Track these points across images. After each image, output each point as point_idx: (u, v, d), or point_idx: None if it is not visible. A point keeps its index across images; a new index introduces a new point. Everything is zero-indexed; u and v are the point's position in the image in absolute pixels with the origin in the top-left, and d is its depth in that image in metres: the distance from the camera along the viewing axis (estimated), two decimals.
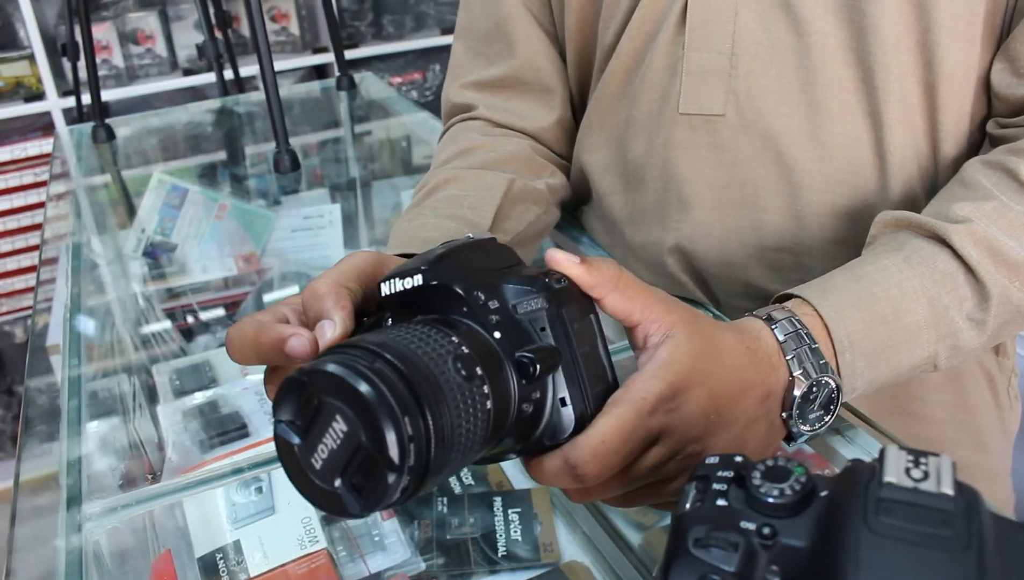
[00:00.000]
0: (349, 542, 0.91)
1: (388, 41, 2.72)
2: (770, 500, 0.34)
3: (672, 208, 0.72)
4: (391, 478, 0.36)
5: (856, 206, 0.67)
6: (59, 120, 2.48)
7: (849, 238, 0.67)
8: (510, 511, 0.96)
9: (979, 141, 0.68)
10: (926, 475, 0.32)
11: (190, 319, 1.46)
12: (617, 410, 0.44)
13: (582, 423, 0.45)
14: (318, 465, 0.38)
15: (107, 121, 1.52)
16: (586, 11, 0.73)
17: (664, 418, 0.45)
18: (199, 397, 1.15)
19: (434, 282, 0.44)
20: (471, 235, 0.48)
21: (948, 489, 0.32)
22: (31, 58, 2.44)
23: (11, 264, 2.57)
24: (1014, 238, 0.56)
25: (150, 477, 0.94)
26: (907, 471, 0.32)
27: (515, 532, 0.94)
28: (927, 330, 0.55)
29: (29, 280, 2.61)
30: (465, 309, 0.44)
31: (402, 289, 0.45)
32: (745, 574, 0.33)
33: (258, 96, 1.92)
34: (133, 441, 1.03)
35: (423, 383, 0.38)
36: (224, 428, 1.06)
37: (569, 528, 0.94)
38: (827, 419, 0.52)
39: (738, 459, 0.37)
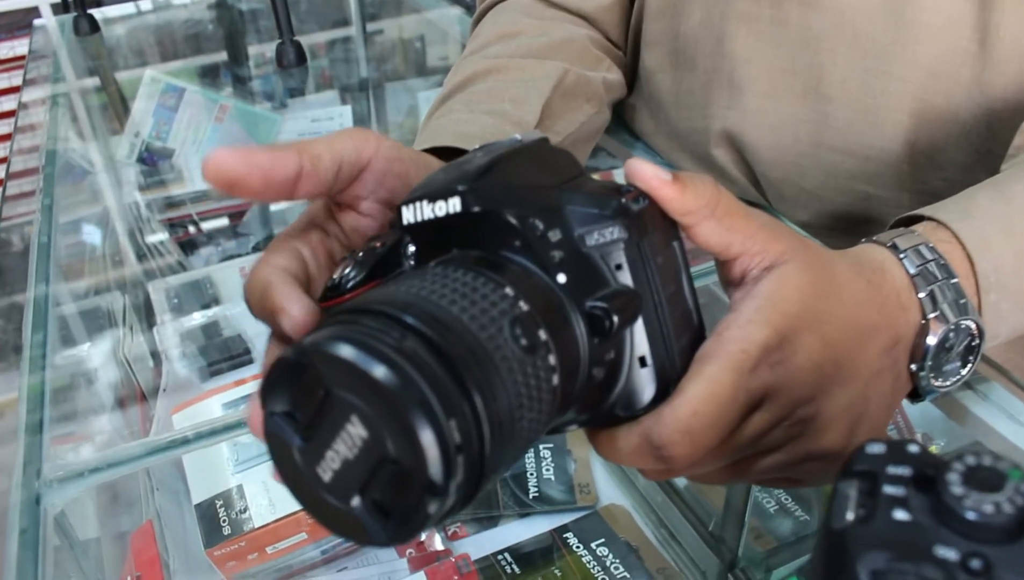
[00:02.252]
0: None
1: None
2: (979, 519, 0.24)
3: (723, 90, 0.60)
4: (431, 505, 0.26)
5: (946, 105, 0.55)
6: (48, 16, 2.33)
7: (933, 145, 0.56)
8: (542, 448, 0.88)
9: None
10: None
11: (190, 230, 1.36)
12: (710, 370, 0.33)
13: (665, 387, 0.34)
14: (327, 477, 0.27)
15: (91, 13, 1.39)
16: None
17: (769, 375, 0.34)
18: (199, 317, 1.05)
19: (477, 208, 0.33)
20: (519, 137, 0.36)
21: None
22: None
23: (2, 170, 2.47)
24: None
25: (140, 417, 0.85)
26: None
27: (547, 472, 0.85)
28: None
29: (23, 185, 2.51)
30: (518, 243, 0.33)
31: (433, 217, 0.33)
32: None
33: None
34: (124, 372, 0.94)
35: (472, 365, 0.27)
36: (226, 353, 0.96)
37: (608, 468, 0.85)
38: (964, 373, 0.41)
39: (912, 450, 0.27)
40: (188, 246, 1.32)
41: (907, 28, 0.55)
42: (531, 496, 0.83)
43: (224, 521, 0.72)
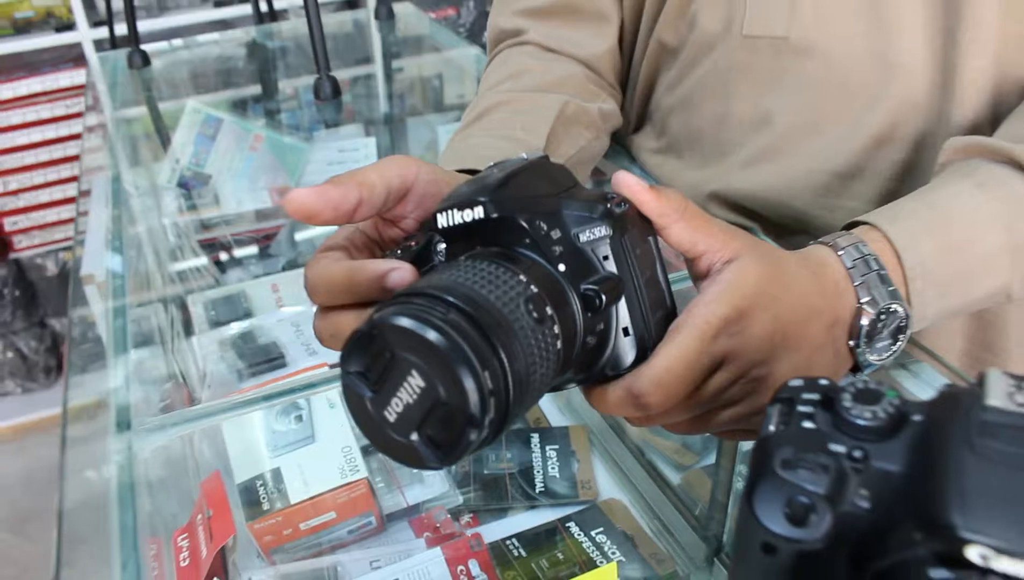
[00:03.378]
0: (388, 474, 0.90)
1: None
2: (861, 423, 0.33)
3: (730, 132, 0.69)
4: (472, 434, 0.35)
5: (918, 130, 0.64)
6: (90, 51, 2.46)
7: (907, 164, 0.65)
8: (548, 448, 0.96)
9: None
10: None
11: (223, 251, 1.45)
12: (679, 337, 0.42)
13: (644, 352, 0.44)
14: (392, 418, 0.36)
15: (143, 48, 1.50)
16: None
17: (728, 342, 0.43)
18: (235, 327, 1.14)
19: (495, 215, 0.42)
20: (525, 155, 0.46)
21: None
22: None
23: (43, 196, 2.58)
24: None
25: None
26: (1011, 395, 0.31)
27: (553, 469, 0.93)
28: (1002, 256, 0.53)
29: (61, 212, 2.62)
30: (528, 240, 0.42)
31: (462, 222, 0.43)
32: (835, 496, 0.31)
33: (290, 28, 1.89)
34: (172, 370, 1.03)
35: (498, 332, 0.36)
36: (261, 358, 1.05)
37: (607, 466, 0.93)
38: (895, 349, 0.50)
39: (823, 382, 0.36)
40: (222, 264, 1.41)
41: (887, 68, 0.63)
42: (537, 490, 0.91)
43: (263, 498, 0.80)
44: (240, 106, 1.72)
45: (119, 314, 0.66)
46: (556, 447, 0.96)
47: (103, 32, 2.30)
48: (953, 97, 0.63)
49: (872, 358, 0.49)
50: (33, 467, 2.61)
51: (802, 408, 0.35)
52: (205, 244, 1.45)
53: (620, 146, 0.85)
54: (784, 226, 0.71)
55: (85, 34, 2.44)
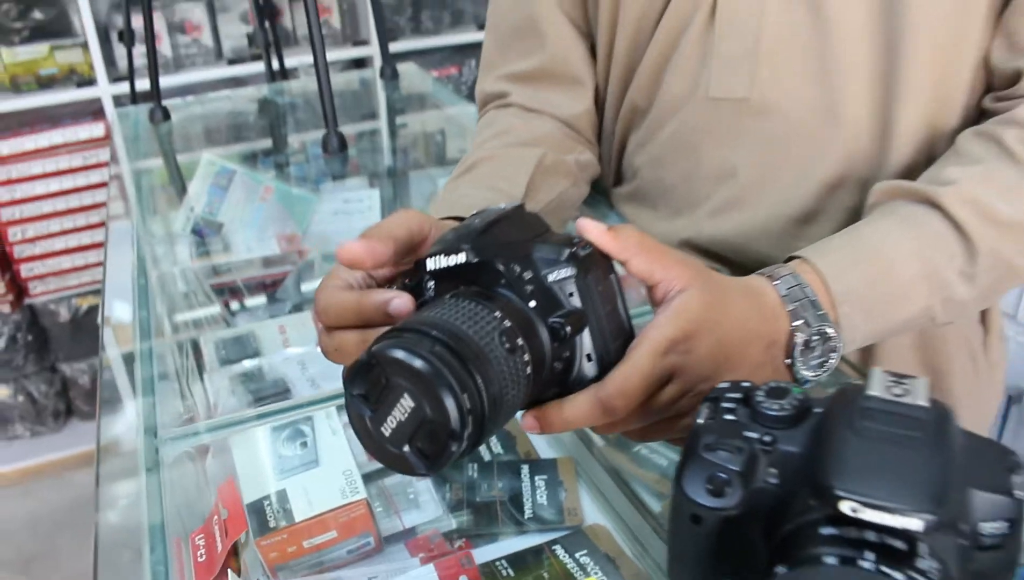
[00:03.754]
0: (386, 498, 0.97)
1: (426, 36, 2.79)
2: (771, 414, 0.40)
3: (698, 185, 0.77)
4: (453, 445, 0.43)
5: (864, 176, 0.72)
6: (108, 105, 2.56)
7: (856, 207, 0.72)
8: (537, 478, 1.02)
9: (981, 115, 0.73)
10: (906, 391, 0.38)
11: (234, 295, 1.53)
12: (635, 354, 0.50)
13: (604, 374, 0.51)
14: (388, 433, 0.44)
15: (165, 105, 1.59)
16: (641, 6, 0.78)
17: (676, 359, 0.50)
18: (244, 365, 1.21)
19: (475, 260, 0.50)
20: (503, 205, 0.54)
21: (923, 402, 0.37)
22: (84, 45, 2.54)
23: (59, 244, 2.67)
24: (1000, 199, 0.62)
25: None
26: (888, 387, 0.38)
27: (541, 497, 0.99)
28: (920, 285, 0.61)
29: (75, 259, 2.70)
30: (503, 281, 0.50)
31: (447, 266, 0.51)
32: (747, 473, 0.38)
33: (300, 86, 1.99)
34: (188, 404, 1.10)
35: (475, 360, 0.44)
36: (268, 392, 1.12)
37: (592, 495, 0.99)
38: (828, 366, 0.58)
39: (745, 384, 0.43)
40: (233, 307, 1.49)
41: (835, 123, 0.71)
42: (526, 516, 0.97)
43: (270, 517, 0.87)
44: (252, 159, 1.81)
45: (145, 351, 0.73)
46: (545, 477, 1.02)
47: (121, 87, 2.40)
48: (891, 145, 0.71)
49: (807, 374, 0.57)
50: (39, 510, 2.65)
51: (726, 404, 0.42)
52: (217, 288, 1.52)
53: (601, 196, 0.93)
54: (749, 268, 0.78)
55: (105, 89, 2.55)
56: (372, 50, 2.75)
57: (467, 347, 0.44)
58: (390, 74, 1.72)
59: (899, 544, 0.34)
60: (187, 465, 0.64)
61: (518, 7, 0.85)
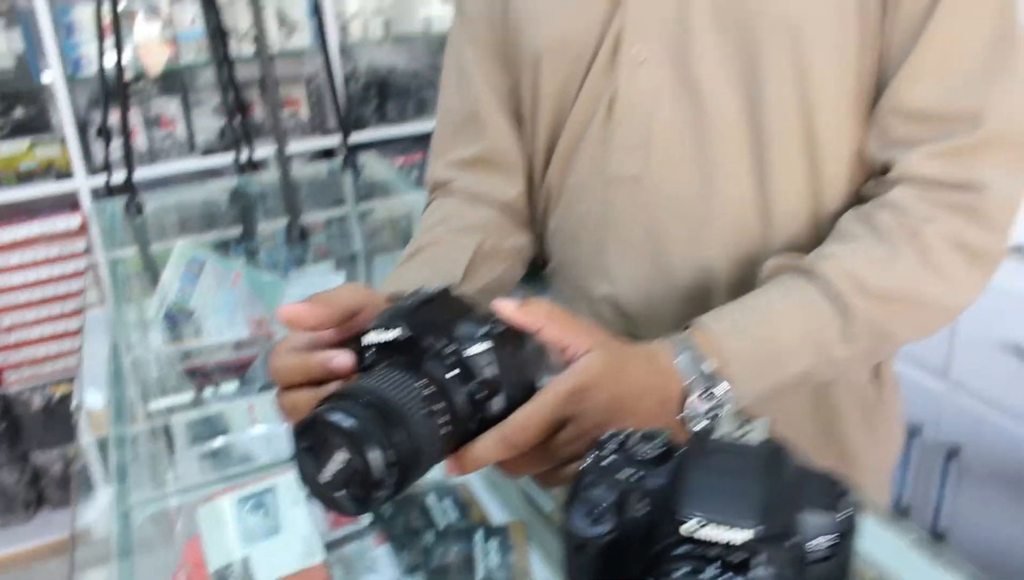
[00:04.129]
0: (345, 564, 1.03)
1: (392, 125, 2.92)
2: (642, 456, 0.48)
3: (605, 259, 0.86)
4: (378, 492, 0.52)
5: (752, 254, 0.81)
6: (85, 197, 2.65)
7: (746, 283, 0.81)
8: (489, 541, 1.08)
9: (861, 200, 0.82)
10: (747, 432, 0.46)
11: (205, 377, 1.59)
12: (539, 398, 0.59)
13: None
14: (326, 479, 0.53)
15: (139, 200, 1.68)
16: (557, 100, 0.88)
17: (574, 406, 0.59)
18: (214, 444, 1.28)
19: (406, 335, 0.59)
20: (438, 286, 0.63)
21: (759, 440, 0.45)
22: (62, 141, 2.63)
23: (34, 333, 2.73)
24: (872, 273, 0.71)
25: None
26: (733, 430, 0.46)
27: (493, 560, 1.05)
28: (802, 347, 0.70)
29: (50, 348, 2.76)
30: (429, 354, 0.58)
31: (381, 341, 0.59)
32: (621, 505, 0.46)
33: (269, 176, 2.09)
34: (159, 483, 1.16)
35: (399, 422, 0.53)
36: (236, 469, 1.19)
37: (542, 558, 1.06)
38: (717, 419, 0.66)
39: (625, 432, 0.51)
40: (203, 389, 1.55)
41: (717, 206, 0.80)
42: (478, 577, 1.03)
43: None
44: (223, 246, 1.89)
45: (118, 436, 0.80)
46: (497, 541, 1.09)
47: (98, 180, 2.49)
48: (774, 226, 0.80)
49: (697, 427, 0.65)
50: None
51: (607, 449, 0.50)
52: (189, 372, 1.59)
53: (539, 270, 1.02)
54: (657, 330, 0.87)
55: (82, 182, 2.65)
56: (337, 138, 2.87)
57: (392, 411, 0.53)
58: (352, 165, 1.83)
59: (737, 557, 0.42)
60: (158, 544, 0.71)
61: (463, 101, 0.95)
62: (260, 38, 1.41)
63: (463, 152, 0.94)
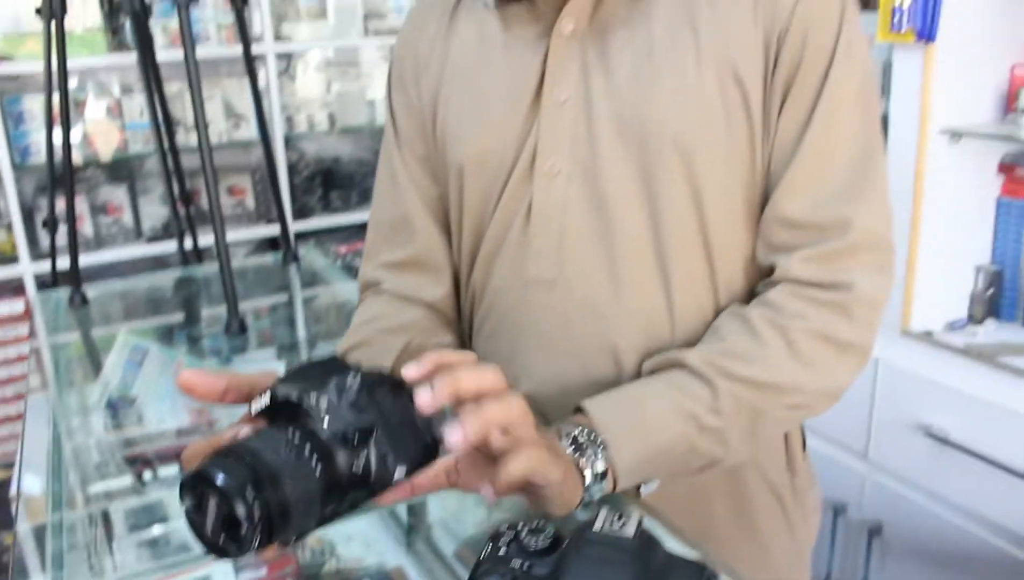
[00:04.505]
0: None
1: (336, 213, 3.00)
2: (530, 547, 0.55)
3: (523, 357, 0.93)
4: (252, 538, 0.56)
5: (659, 349, 0.88)
6: (30, 283, 2.68)
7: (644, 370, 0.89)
8: None
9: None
10: (623, 524, 0.53)
11: (146, 465, 1.61)
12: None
13: (409, 470, 0.64)
14: (208, 528, 0.57)
15: (83, 291, 1.72)
16: (479, 208, 0.96)
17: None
18: (153, 531, 1.30)
19: (280, 398, 0.63)
20: (326, 355, 0.69)
21: (630, 532, 0.52)
22: (8, 227, 2.66)
23: None
24: (735, 363, 0.80)
25: None
26: (610, 523, 0.53)
27: None
28: (671, 413, 0.78)
29: None
30: (303, 408, 0.63)
31: (260, 407, 0.64)
32: None
33: (214, 265, 2.14)
34: (96, 572, 1.18)
35: (270, 477, 0.58)
36: (174, 558, 1.21)
37: None
38: (605, 490, 0.74)
39: (517, 526, 0.58)
40: (144, 477, 1.57)
41: (625, 309, 0.88)
42: None
43: None
44: (167, 333, 1.93)
45: (56, 523, 0.84)
46: None
47: (43, 266, 2.52)
48: (678, 324, 0.88)
49: (594, 491, 0.73)
50: None
51: (501, 542, 0.56)
52: (130, 459, 1.61)
53: None
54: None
55: (26, 267, 2.67)
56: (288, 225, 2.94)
57: (264, 464, 0.58)
58: (291, 259, 1.89)
59: None
60: None
61: (394, 206, 1.02)
62: (200, 130, 1.46)
63: (393, 255, 1.01)
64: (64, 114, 1.78)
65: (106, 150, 2.79)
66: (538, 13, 0.88)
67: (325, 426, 0.63)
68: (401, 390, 0.66)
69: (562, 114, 0.87)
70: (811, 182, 0.84)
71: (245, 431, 0.64)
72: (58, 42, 1.66)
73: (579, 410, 0.80)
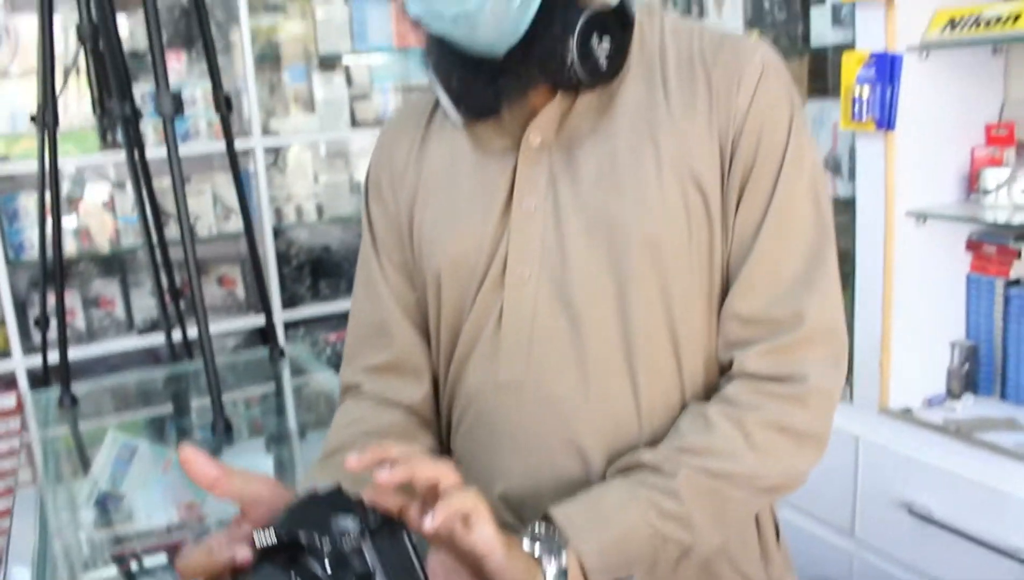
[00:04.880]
0: None
1: (326, 302, 3.04)
2: None
3: (497, 459, 0.95)
4: None
5: (628, 446, 0.91)
6: (22, 378, 2.69)
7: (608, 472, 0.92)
8: None
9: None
10: None
11: (134, 563, 1.62)
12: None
13: None
14: None
15: (71, 385, 1.75)
16: (455, 313, 0.99)
17: None
18: None
19: (286, 537, 0.65)
20: (328, 486, 0.70)
21: None
22: (1, 321, 2.69)
23: None
24: (694, 454, 0.84)
25: None
26: None
27: None
28: (629, 501, 0.81)
29: None
30: (308, 548, 0.65)
31: (264, 543, 0.66)
32: None
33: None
34: None
35: None
36: None
37: None
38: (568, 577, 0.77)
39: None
40: (133, 575, 1.57)
41: (593, 408, 0.90)
42: None
43: None
44: (157, 428, 1.95)
45: None
46: None
47: (35, 359, 2.54)
48: (646, 421, 0.90)
49: None
50: None
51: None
52: (118, 556, 1.61)
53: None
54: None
55: (19, 362, 2.69)
56: (274, 318, 2.97)
57: None
58: (278, 355, 1.92)
59: None
60: None
61: (372, 311, 1.05)
62: (185, 234, 1.50)
63: (372, 359, 1.04)
64: (55, 216, 1.83)
65: (100, 241, 2.84)
66: (505, 129, 0.92)
67: (328, 571, 0.65)
68: (400, 533, 0.69)
69: (531, 222, 0.91)
70: (765, 280, 0.88)
71: (243, 554, 0.67)
72: (51, 150, 1.71)
73: (545, 516, 0.82)
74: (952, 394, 1.84)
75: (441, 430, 1.06)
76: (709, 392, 0.92)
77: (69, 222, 2.81)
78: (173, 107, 1.38)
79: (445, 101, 0.91)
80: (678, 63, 0.90)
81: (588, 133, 0.90)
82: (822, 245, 0.89)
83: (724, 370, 0.91)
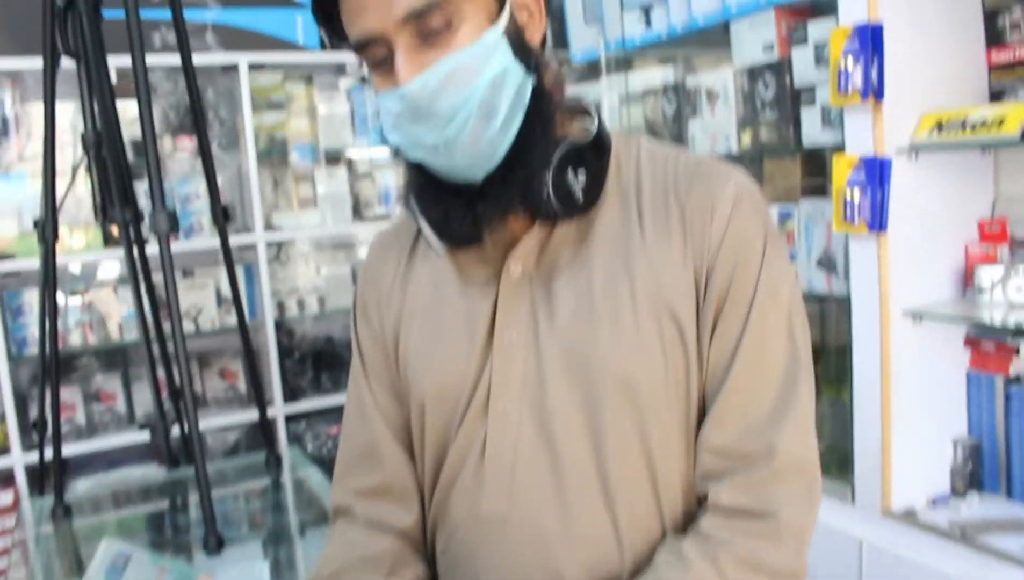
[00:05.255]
0: None
1: (327, 394, 3.04)
2: None
3: None
4: None
5: (608, 574, 0.90)
6: (20, 474, 2.68)
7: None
8: None
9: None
10: None
11: None
12: None
13: None
14: None
15: (66, 490, 1.74)
16: (439, 441, 0.99)
17: None
18: None
19: None
20: None
21: None
22: (2, 417, 2.69)
23: None
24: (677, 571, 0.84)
25: None
26: None
27: None
28: None
29: None
30: None
31: None
32: None
33: None
34: None
35: None
36: None
37: None
38: None
39: None
40: None
41: (574, 539, 0.89)
42: None
43: None
44: (153, 530, 1.93)
45: None
46: None
47: (34, 456, 2.53)
48: (626, 549, 0.90)
49: None
50: None
51: None
52: None
53: None
54: None
55: (17, 458, 2.69)
56: (275, 410, 2.98)
57: None
58: (274, 463, 1.93)
59: None
60: None
61: (362, 432, 1.05)
62: (174, 323, 1.50)
63: (363, 482, 1.04)
64: (52, 324, 1.85)
65: (111, 326, 2.85)
66: (487, 257, 0.94)
67: None
68: None
69: (513, 356, 0.92)
70: (737, 412, 0.88)
71: None
72: (51, 261, 1.75)
73: None
74: (956, 492, 1.81)
75: (428, 551, 1.05)
76: (689, 519, 0.92)
77: (74, 314, 2.83)
78: (168, 225, 1.41)
79: (427, 231, 0.92)
80: (652, 192, 0.91)
81: (567, 263, 0.92)
82: (796, 377, 0.89)
83: (701, 501, 0.91)
